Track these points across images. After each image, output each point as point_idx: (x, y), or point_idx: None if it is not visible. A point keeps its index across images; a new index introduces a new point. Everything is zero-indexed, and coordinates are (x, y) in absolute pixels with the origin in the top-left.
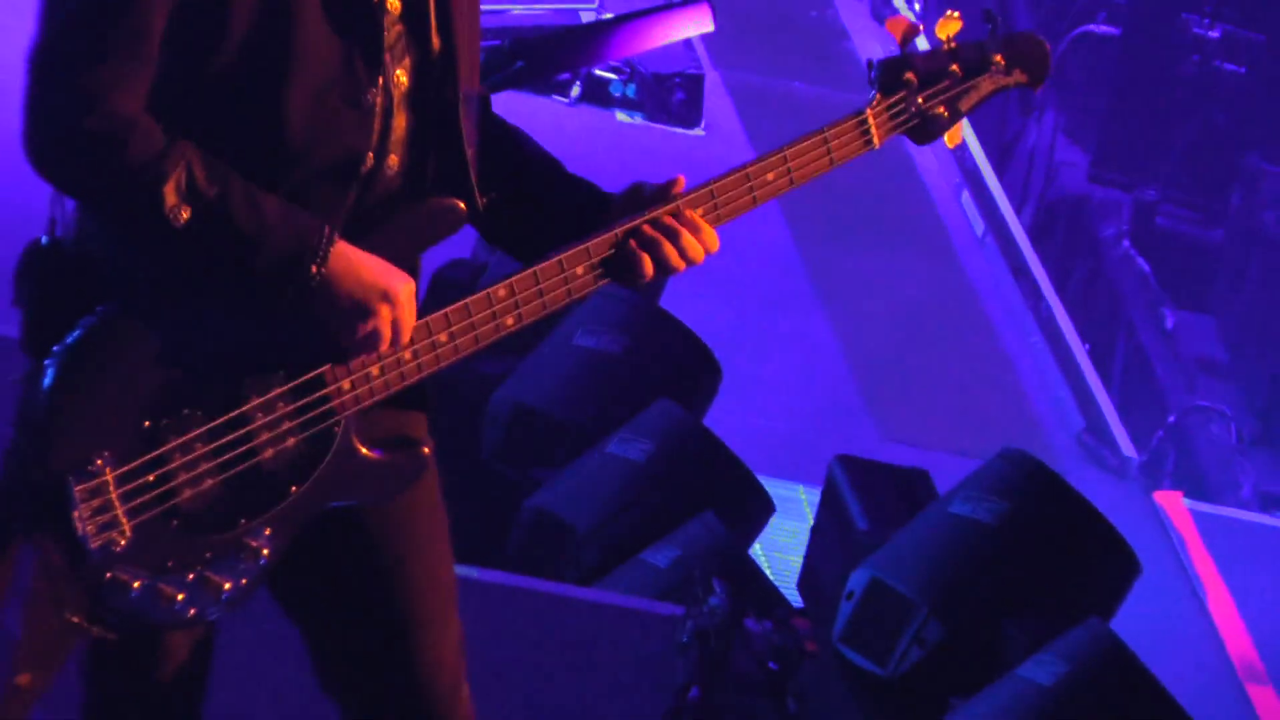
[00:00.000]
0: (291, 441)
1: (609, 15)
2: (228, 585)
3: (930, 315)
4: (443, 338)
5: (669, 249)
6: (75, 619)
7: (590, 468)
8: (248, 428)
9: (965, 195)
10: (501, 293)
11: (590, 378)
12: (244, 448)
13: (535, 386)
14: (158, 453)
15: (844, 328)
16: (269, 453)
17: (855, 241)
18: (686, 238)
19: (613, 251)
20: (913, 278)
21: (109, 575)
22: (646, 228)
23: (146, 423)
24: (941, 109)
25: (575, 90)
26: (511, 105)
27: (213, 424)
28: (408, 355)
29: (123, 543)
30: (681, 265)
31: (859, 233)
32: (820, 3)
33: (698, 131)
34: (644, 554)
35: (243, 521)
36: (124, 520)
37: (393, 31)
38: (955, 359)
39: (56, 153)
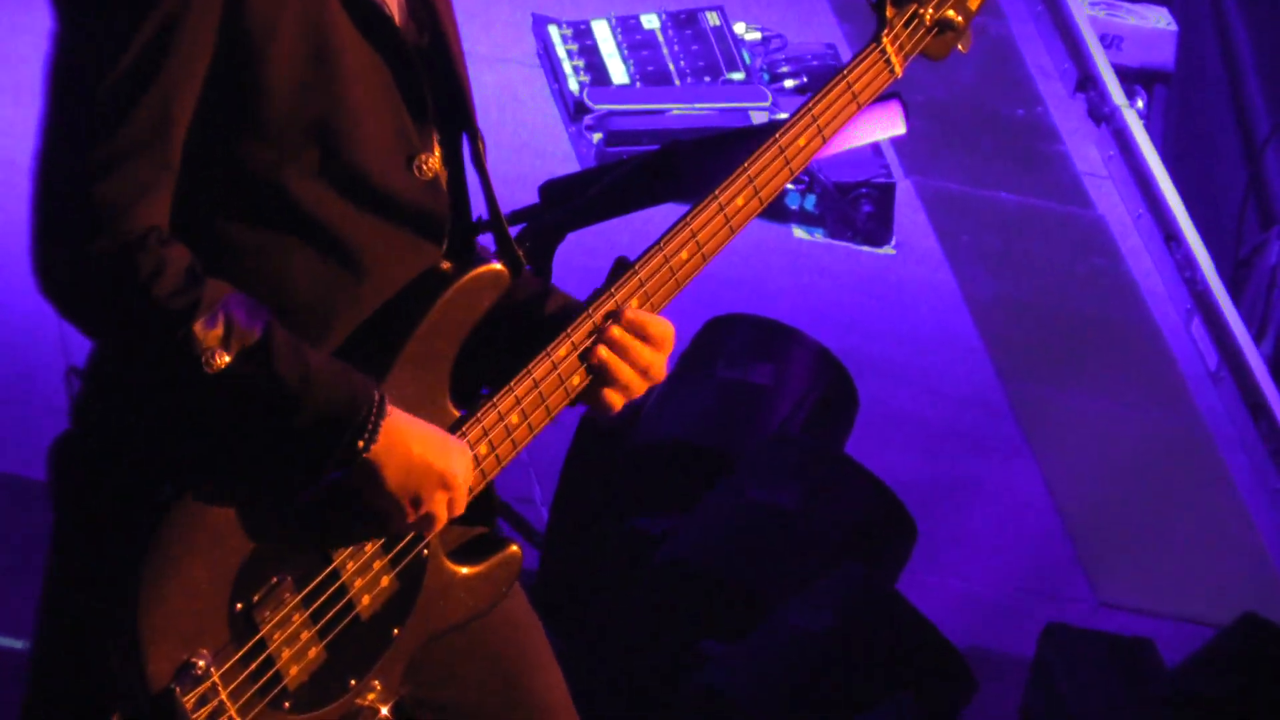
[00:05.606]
0: (385, 581)
1: (784, 115)
2: None
3: (1155, 461)
4: (514, 419)
5: (619, 371)
6: None
7: (764, 642)
8: (341, 580)
9: (1195, 323)
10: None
11: (761, 537)
12: (341, 603)
13: (700, 546)
14: (257, 637)
15: (1056, 476)
16: (365, 600)
17: (1069, 377)
18: (637, 350)
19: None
20: (1135, 419)
21: None
22: (598, 349)
23: (238, 605)
24: (952, 12)
25: None
26: (670, 222)
27: (307, 589)
28: (483, 449)
29: None
30: (637, 389)
31: (1073, 367)
32: (1028, 100)
33: (888, 250)
34: None
35: (352, 682)
36: None
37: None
38: (1184, 511)
39: (68, 279)
